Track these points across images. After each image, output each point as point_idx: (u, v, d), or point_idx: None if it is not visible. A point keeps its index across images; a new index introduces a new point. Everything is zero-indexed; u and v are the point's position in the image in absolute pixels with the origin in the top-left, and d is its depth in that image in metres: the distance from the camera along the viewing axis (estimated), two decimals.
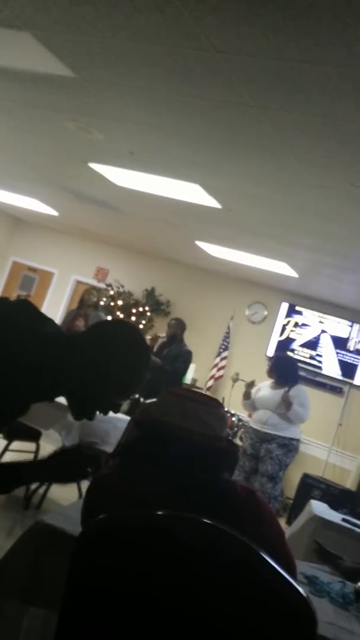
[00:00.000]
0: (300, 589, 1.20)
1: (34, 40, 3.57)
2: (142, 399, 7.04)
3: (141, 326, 9.86)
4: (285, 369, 6.27)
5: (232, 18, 2.72)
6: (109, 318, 9.76)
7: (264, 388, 6.29)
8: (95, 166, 6.03)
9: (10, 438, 4.99)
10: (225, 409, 8.16)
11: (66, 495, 5.20)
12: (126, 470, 1.66)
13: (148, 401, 1.94)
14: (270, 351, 9.32)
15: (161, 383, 7.06)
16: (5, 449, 5.13)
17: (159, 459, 1.61)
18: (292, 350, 9.18)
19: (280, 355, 7.51)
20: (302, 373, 7.17)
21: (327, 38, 2.65)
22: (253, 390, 6.37)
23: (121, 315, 9.90)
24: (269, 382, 6.34)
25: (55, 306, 11.09)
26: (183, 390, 1.81)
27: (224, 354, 9.55)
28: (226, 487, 1.62)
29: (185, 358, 7.60)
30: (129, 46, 3.31)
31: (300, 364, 7.39)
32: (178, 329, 7.74)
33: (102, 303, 8.88)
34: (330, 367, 9.01)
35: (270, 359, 6.74)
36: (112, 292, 10.13)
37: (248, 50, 2.94)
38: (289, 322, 9.39)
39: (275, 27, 2.69)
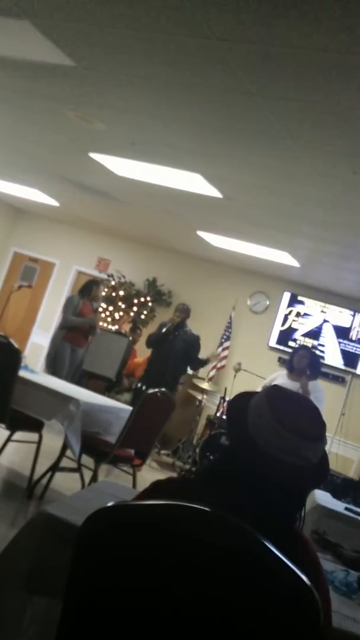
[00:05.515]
0: (305, 578, 1.20)
1: (34, 29, 3.55)
2: (144, 387, 7.05)
3: (143, 317, 9.86)
4: (319, 364, 6.41)
5: (233, 5, 2.70)
6: (111, 308, 9.80)
7: (281, 377, 6.26)
8: (95, 156, 6.01)
9: (12, 429, 4.99)
10: (227, 399, 8.14)
11: (69, 485, 5.21)
12: (196, 481, 1.53)
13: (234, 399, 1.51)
14: (272, 341, 9.33)
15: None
16: (8, 439, 5.14)
17: (234, 482, 1.44)
18: (295, 340, 9.17)
19: (312, 351, 7.34)
20: None
21: (328, 24, 2.63)
22: (267, 380, 6.36)
23: (122, 306, 9.90)
24: (284, 372, 6.34)
25: (56, 297, 11.09)
26: (291, 416, 1.47)
27: (226, 344, 9.54)
28: (294, 541, 1.42)
29: (199, 344, 7.56)
30: (129, 34, 3.28)
31: None
32: (188, 313, 7.65)
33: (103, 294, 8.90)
34: (333, 357, 9.00)
35: (299, 353, 6.53)
36: (113, 283, 10.12)
37: (249, 37, 2.92)
38: (291, 311, 9.38)
39: (276, 13, 2.67)
